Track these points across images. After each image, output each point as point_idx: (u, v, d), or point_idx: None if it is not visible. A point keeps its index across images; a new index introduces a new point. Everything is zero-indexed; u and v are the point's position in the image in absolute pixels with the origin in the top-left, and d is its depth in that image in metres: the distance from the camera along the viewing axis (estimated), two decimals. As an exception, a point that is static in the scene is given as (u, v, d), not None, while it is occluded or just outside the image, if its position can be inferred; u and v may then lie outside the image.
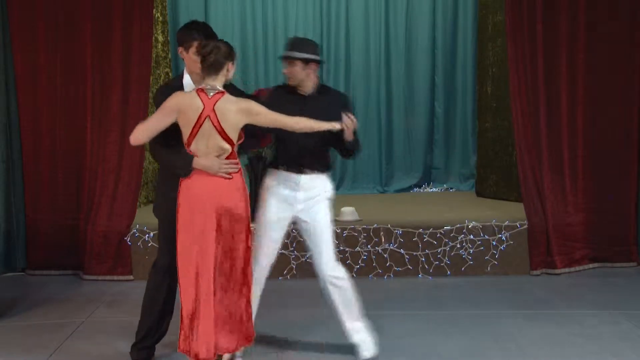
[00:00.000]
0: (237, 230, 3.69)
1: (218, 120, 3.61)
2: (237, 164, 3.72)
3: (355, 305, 4.13)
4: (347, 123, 3.85)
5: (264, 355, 4.23)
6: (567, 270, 6.14)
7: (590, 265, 6.32)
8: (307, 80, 4.04)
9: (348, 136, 3.92)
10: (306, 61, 3.99)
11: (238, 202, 3.70)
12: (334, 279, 4.06)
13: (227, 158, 3.67)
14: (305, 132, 3.81)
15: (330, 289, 4.06)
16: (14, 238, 6.33)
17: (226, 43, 3.76)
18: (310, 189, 4.06)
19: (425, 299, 5.40)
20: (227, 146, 3.66)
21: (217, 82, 3.68)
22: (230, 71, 3.73)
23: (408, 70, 8.95)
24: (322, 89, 4.17)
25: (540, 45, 6.14)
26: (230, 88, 3.86)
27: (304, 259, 5.97)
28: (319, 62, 4.05)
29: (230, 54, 3.70)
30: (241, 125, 3.67)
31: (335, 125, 3.83)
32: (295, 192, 4.03)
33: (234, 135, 3.67)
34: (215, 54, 3.65)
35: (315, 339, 4.39)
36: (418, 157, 9.01)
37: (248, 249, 3.75)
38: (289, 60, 4.00)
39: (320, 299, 4.25)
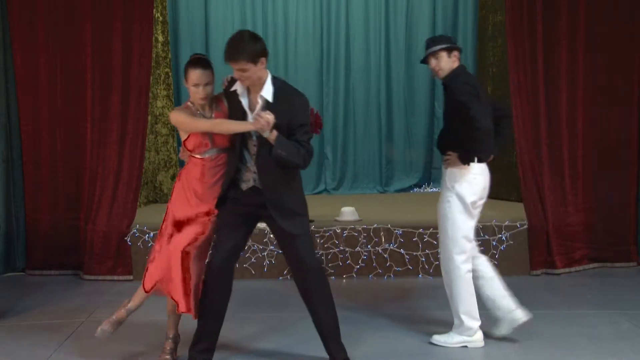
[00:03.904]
0: None
1: None
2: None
3: None
4: (259, 121, 3.50)
5: (266, 354, 4.23)
6: (567, 270, 6.14)
7: (590, 265, 6.32)
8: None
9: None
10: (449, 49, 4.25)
11: None
12: None
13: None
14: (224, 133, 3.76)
15: None
16: (14, 238, 6.34)
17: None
18: None
19: (425, 299, 5.40)
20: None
21: None
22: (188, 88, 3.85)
23: (408, 70, 8.96)
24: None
25: (540, 45, 6.15)
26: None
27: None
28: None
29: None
30: (181, 132, 3.90)
31: (248, 126, 3.60)
32: None
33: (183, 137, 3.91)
34: None
35: (316, 339, 4.38)
36: (418, 157, 9.01)
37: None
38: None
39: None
